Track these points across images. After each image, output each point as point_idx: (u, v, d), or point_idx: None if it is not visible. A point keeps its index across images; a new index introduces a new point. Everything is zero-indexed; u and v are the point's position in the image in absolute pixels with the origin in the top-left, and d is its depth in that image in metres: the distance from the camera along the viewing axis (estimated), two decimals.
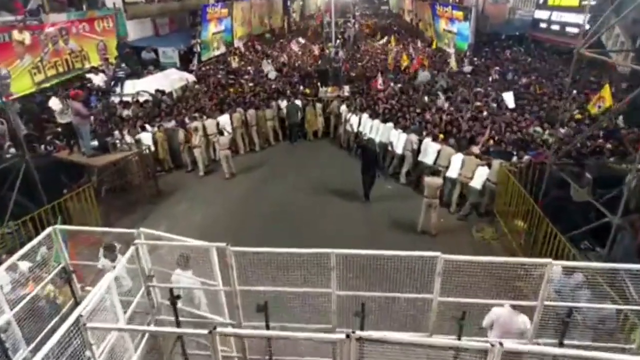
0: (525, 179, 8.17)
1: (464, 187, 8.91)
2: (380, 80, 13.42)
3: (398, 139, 10.21)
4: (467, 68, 16.85)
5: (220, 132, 11.30)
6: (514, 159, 8.57)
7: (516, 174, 8.14)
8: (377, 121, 11.06)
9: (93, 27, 12.97)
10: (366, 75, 15.98)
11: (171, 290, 4.46)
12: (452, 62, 16.76)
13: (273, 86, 14.03)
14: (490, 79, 14.46)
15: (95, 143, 8.86)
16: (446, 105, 11.56)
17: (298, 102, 13.08)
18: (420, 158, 9.80)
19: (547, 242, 6.57)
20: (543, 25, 18.34)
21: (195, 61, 17.98)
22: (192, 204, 9.61)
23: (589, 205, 6.60)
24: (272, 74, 16.98)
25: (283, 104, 13.01)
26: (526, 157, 8.41)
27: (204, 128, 11.30)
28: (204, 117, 11.48)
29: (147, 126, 10.88)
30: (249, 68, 17.63)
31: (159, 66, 16.48)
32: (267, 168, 11.44)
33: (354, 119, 11.77)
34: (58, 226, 4.96)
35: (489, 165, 8.56)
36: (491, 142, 9.51)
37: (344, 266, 4.21)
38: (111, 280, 4.08)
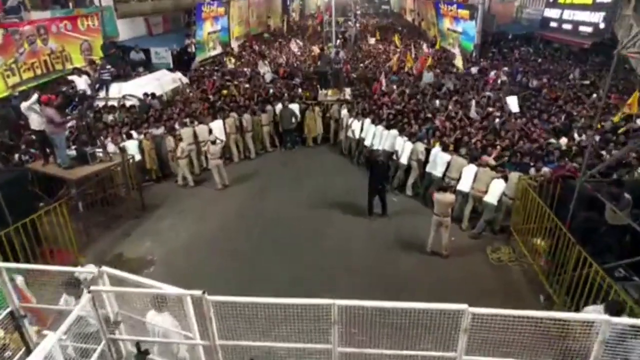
0: (546, 194, 7.42)
1: (477, 202, 8.14)
2: (383, 81, 12.61)
3: (403, 148, 9.42)
4: (474, 69, 16.05)
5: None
6: (532, 171, 7.79)
7: (536, 189, 7.39)
8: (380, 127, 10.27)
9: (76, 25, 12.16)
10: (368, 77, 15.19)
11: (138, 344, 3.68)
12: (459, 63, 15.96)
13: (270, 90, 13.21)
14: (499, 81, 13.65)
15: (73, 153, 8.08)
16: (459, 111, 10.74)
17: (295, 106, 12.30)
18: (428, 169, 9.02)
19: (575, 269, 5.81)
20: (553, 24, 17.54)
21: (196, 61, 17.20)
22: (179, 219, 8.82)
23: (623, 228, 5.85)
24: (269, 76, 16.20)
25: (280, 107, 12.22)
26: (545, 170, 7.62)
27: (195, 135, 10.54)
28: (195, 122, 10.73)
29: (134, 133, 10.09)
30: (245, 69, 16.83)
31: (150, 67, 15.72)
32: (262, 178, 10.65)
33: (355, 125, 10.99)
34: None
35: (505, 179, 7.79)
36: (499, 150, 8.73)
37: (347, 319, 3.43)
38: (62, 331, 3.30)
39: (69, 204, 7.39)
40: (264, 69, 15.98)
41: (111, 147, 9.29)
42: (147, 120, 10.63)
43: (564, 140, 8.79)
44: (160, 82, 12.65)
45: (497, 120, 9.57)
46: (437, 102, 11.28)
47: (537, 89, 13.11)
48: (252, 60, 19.27)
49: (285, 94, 12.86)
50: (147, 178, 10.26)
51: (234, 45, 23.08)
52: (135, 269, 7.27)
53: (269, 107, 12.12)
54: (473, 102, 10.90)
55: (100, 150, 8.72)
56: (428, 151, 9.10)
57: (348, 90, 13.64)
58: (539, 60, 16.85)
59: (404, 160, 9.45)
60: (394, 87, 12.79)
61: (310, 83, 14.69)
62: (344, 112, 11.79)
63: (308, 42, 25.25)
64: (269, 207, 9.19)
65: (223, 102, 12.41)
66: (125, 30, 16.57)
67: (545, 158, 8.00)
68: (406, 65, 15.91)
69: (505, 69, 15.40)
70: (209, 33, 19.60)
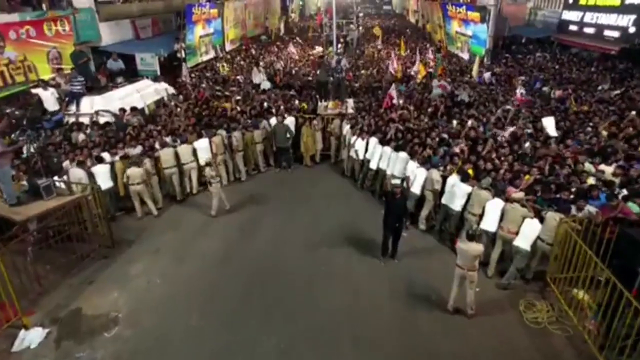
0: (591, 239, 6.13)
1: (505, 243, 6.83)
2: (394, 94, 11.27)
3: (415, 175, 8.12)
4: (487, 76, 14.73)
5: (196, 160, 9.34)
6: (573, 210, 6.47)
7: (580, 233, 6.10)
8: (388, 149, 8.98)
9: (41, 30, 10.81)
10: (372, 87, 13.89)
11: None
12: (474, 70, 14.62)
13: (265, 104, 11.89)
14: (518, 92, 12.35)
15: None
16: (479, 129, 9.42)
17: (291, 120, 11.00)
18: (444, 201, 7.71)
19: None
20: (573, 27, 16.23)
21: (185, 70, 15.87)
22: (153, 260, 7.51)
23: None
24: (266, 84, 14.91)
25: (275, 122, 10.93)
26: (590, 209, 6.31)
27: (177, 156, 9.25)
28: (178, 141, 9.43)
29: (106, 155, 8.78)
30: (239, 77, 15.51)
31: (136, 76, 14.44)
32: (253, 205, 9.34)
33: (359, 144, 9.68)
34: None
35: (541, 219, 6.49)
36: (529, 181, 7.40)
37: None
38: None
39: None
40: (260, 78, 14.66)
41: (78, 174, 8.00)
42: (122, 139, 9.32)
43: (608, 169, 7.46)
44: (142, 93, 11.33)
45: (527, 144, 8.22)
46: (455, 122, 9.89)
47: (560, 99, 11.78)
48: (246, 66, 17.95)
49: (281, 107, 11.55)
50: (123, 206, 8.98)
51: (229, 48, 21.81)
52: (94, 329, 6.02)
53: (263, 123, 10.83)
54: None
55: (62, 179, 7.45)
56: (444, 179, 7.80)
57: (351, 102, 12.34)
58: (556, 66, 15.49)
59: (416, 189, 8.14)
60: (400, 101, 11.42)
61: (308, 93, 13.40)
62: (347, 128, 10.48)
63: (307, 45, 23.94)
64: (258, 246, 7.86)
65: (211, 117, 11.10)
66: (108, 35, 15.30)
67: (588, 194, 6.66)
68: (419, 75, 14.48)
69: (522, 78, 14.06)
70: (200, 37, 18.35)
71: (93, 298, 6.64)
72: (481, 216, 7.05)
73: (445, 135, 9.28)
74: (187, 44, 17.13)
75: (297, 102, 12.38)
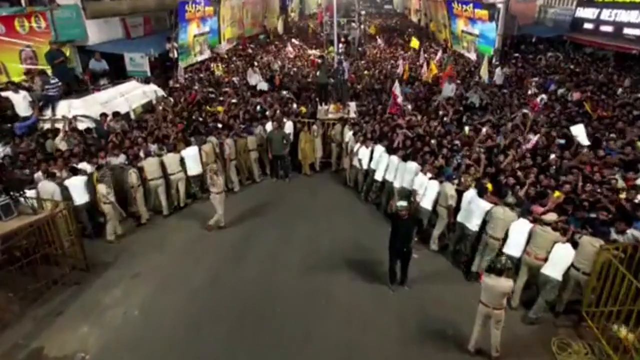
0: (637, 269, 5.30)
1: (532, 270, 5.97)
2: (397, 91, 10.38)
3: (426, 189, 7.26)
4: (499, 77, 13.84)
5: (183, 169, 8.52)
6: (612, 234, 5.62)
7: (623, 261, 5.27)
8: (395, 158, 8.11)
9: (12, 28, 9.90)
10: (376, 89, 13.03)
11: None
12: (483, 71, 13.75)
13: (258, 107, 11.03)
14: (538, 98, 11.48)
15: None
16: (497, 138, 8.54)
17: (289, 125, 10.15)
18: (460, 219, 6.85)
19: None
20: (588, 25, 15.33)
21: (180, 71, 14.99)
22: (131, 287, 6.64)
23: None
24: (263, 85, 14.05)
25: (269, 126, 10.07)
26: (635, 233, 5.45)
27: (163, 166, 8.39)
28: (164, 150, 8.58)
29: (87, 166, 7.89)
30: (234, 79, 14.63)
31: (123, 78, 13.57)
32: (246, 220, 8.47)
33: (363, 152, 8.82)
34: None
35: (574, 244, 5.63)
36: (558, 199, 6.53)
37: None
38: None
39: None
40: (256, 79, 13.78)
41: (49, 188, 7.14)
42: (104, 147, 8.45)
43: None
44: (128, 96, 10.45)
45: (552, 156, 7.33)
46: (467, 128, 9.01)
47: (580, 103, 10.90)
48: (242, 67, 17.07)
49: (278, 111, 10.68)
50: (103, 220, 8.10)
51: (225, 48, 20.94)
52: None
53: (258, 128, 9.97)
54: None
55: (30, 195, 6.59)
56: (460, 193, 6.94)
57: (353, 106, 11.48)
58: (570, 66, 14.60)
59: (427, 204, 7.28)
60: (409, 107, 10.50)
61: (307, 96, 12.54)
62: (349, 134, 9.61)
63: (307, 45, 23.07)
64: (250, 270, 6.98)
65: (202, 122, 10.24)
66: (95, 33, 14.38)
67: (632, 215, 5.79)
68: (429, 74, 13.54)
69: (536, 79, 13.19)
70: (194, 36, 17.47)
71: (59, 334, 5.77)
72: (504, 239, 6.20)
73: (457, 143, 8.40)
74: (180, 43, 16.25)
75: (295, 105, 11.50)
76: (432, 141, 8.43)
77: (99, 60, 11.11)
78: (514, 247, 6.05)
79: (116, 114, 9.42)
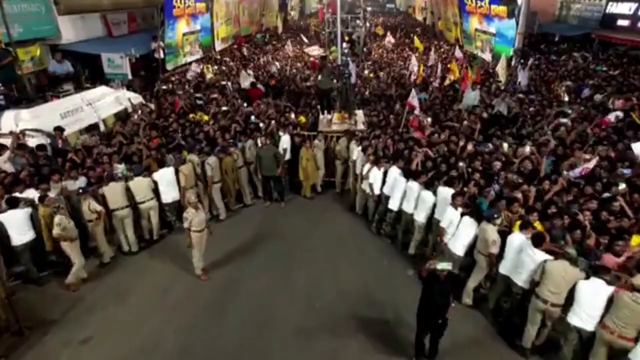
0: None
1: (613, 350, 4.40)
2: (415, 101, 8.84)
3: (458, 227, 5.70)
4: (523, 81, 12.25)
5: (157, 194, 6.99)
6: None
7: None
8: (415, 185, 6.54)
9: None
10: (385, 95, 11.46)
11: None
12: (501, 74, 12.17)
13: (252, 117, 9.47)
14: (564, 98, 9.93)
15: None
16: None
17: (286, 139, 8.59)
18: (504, 271, 5.30)
19: None
20: (623, 22, 13.74)
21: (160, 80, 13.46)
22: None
23: None
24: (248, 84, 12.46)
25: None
26: None
27: (129, 192, 6.84)
28: (132, 172, 7.02)
29: (35, 193, 6.36)
30: (224, 83, 13.04)
31: (95, 82, 12.07)
32: (230, 260, 6.90)
33: (374, 175, 7.23)
34: None
35: None
36: None
37: None
38: None
39: None
40: (249, 82, 12.20)
41: None
42: (56, 170, 6.88)
43: None
44: (96, 105, 8.87)
45: (622, 186, 5.73)
46: (505, 145, 7.39)
47: (626, 113, 9.29)
48: (235, 68, 15.50)
49: (273, 122, 9.12)
50: (54, 259, 6.55)
51: (219, 48, 19.40)
52: None
53: (248, 142, 8.40)
54: None
55: None
56: (502, 234, 5.36)
57: (360, 115, 9.90)
58: (603, 68, 13.00)
59: (458, 248, 5.71)
60: (428, 121, 8.87)
61: (307, 103, 10.99)
62: (357, 150, 8.03)
63: (308, 44, 21.47)
64: (231, 334, 5.41)
65: (186, 135, 8.69)
66: (70, 31, 12.87)
67: None
68: (450, 77, 11.89)
69: (568, 83, 11.60)
70: (184, 34, 15.91)
71: None
72: (567, 305, 4.64)
73: (498, 164, 6.80)
74: (167, 43, 14.70)
75: (293, 115, 9.94)
76: (461, 163, 6.83)
77: (60, 62, 9.55)
78: (584, 317, 4.48)
79: (57, 129, 7.68)
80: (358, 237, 7.50)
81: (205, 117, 9.95)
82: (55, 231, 5.86)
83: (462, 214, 5.76)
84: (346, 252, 7.06)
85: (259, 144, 8.22)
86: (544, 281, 4.72)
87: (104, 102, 9.17)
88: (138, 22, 16.62)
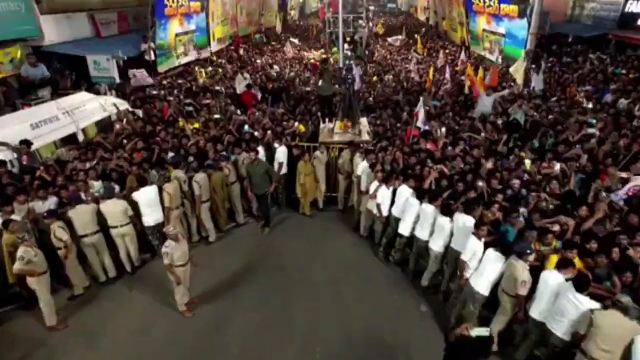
0: None
1: None
2: (421, 113, 8.06)
3: (480, 260, 4.90)
4: (538, 83, 11.43)
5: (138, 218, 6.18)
6: None
7: None
8: (429, 208, 5.72)
9: None
10: (392, 100, 10.64)
11: None
12: (518, 77, 11.34)
13: (246, 127, 8.65)
14: (589, 105, 9.12)
15: None
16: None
17: (282, 150, 7.78)
18: (536, 316, 4.48)
19: None
20: None
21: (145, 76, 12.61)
22: None
23: None
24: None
25: (260, 153, 7.71)
26: None
27: (100, 215, 6.03)
28: (105, 191, 6.20)
29: None
30: (218, 88, 12.22)
31: (89, 86, 11.31)
32: (220, 296, 6.09)
33: (382, 194, 6.41)
34: None
35: None
36: None
37: None
38: None
39: None
40: (243, 86, 11.39)
41: None
42: (23, 189, 6.08)
43: None
44: (75, 113, 8.06)
45: None
46: (528, 162, 6.54)
47: None
48: (231, 71, 14.67)
49: (269, 132, 8.31)
50: (18, 292, 5.75)
51: (215, 49, 18.58)
52: None
53: (242, 156, 7.59)
54: None
55: None
56: (534, 272, 4.55)
57: (364, 123, 9.09)
58: (623, 71, 12.16)
59: (481, 286, 4.89)
60: (441, 129, 8.02)
61: (307, 109, 10.19)
62: (362, 165, 7.20)
63: (308, 45, 20.65)
64: None
65: (173, 146, 7.87)
66: (53, 31, 12.05)
67: None
68: (466, 84, 11.01)
69: (589, 87, 10.78)
70: (177, 34, 15.09)
71: None
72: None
73: (516, 183, 6.00)
74: (159, 44, 13.89)
75: (292, 122, 9.13)
76: (480, 182, 6.02)
77: (34, 65, 8.74)
78: None
79: (23, 142, 6.82)
80: (363, 264, 6.68)
81: (197, 125, 9.14)
82: (17, 266, 5.05)
83: (486, 245, 4.96)
84: (350, 283, 6.24)
85: (244, 159, 7.37)
86: (593, 336, 3.91)
87: (84, 110, 8.36)
88: (129, 22, 15.79)
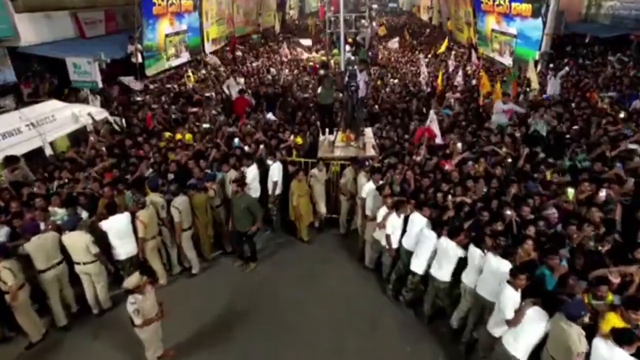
0: None
1: None
2: (434, 127, 7.13)
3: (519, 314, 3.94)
4: (554, 88, 10.50)
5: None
6: None
7: None
8: (449, 244, 4.78)
9: None
10: (398, 108, 9.71)
11: None
12: (533, 81, 10.40)
13: (236, 140, 7.72)
14: (621, 114, 8.17)
15: None
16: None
17: (277, 166, 6.84)
18: None
19: None
20: None
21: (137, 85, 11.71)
22: None
23: None
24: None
25: (252, 170, 6.77)
26: None
27: (62, 249, 5.11)
28: (70, 220, 5.27)
29: None
30: (209, 94, 11.26)
31: (69, 90, 10.41)
32: (201, 347, 5.15)
33: (392, 223, 5.45)
34: None
35: None
36: None
37: None
38: None
39: None
40: (235, 91, 10.45)
41: None
42: None
43: None
44: (42, 125, 7.12)
45: None
46: (571, 191, 5.52)
47: None
48: (223, 74, 13.72)
49: (261, 146, 7.38)
50: None
51: (210, 50, 17.65)
52: None
53: (229, 174, 6.65)
54: None
55: None
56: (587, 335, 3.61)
57: (369, 134, 8.15)
58: None
59: (520, 351, 3.94)
60: (459, 143, 7.06)
61: (305, 119, 9.25)
62: (368, 186, 6.23)
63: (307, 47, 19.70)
64: None
65: (154, 164, 6.93)
66: (31, 32, 11.18)
67: None
68: (481, 92, 10.01)
69: (613, 94, 9.84)
70: (166, 35, 14.15)
71: None
72: None
73: (554, 214, 5.05)
74: (147, 45, 12.96)
75: (287, 134, 8.20)
76: (508, 211, 5.07)
77: None
78: None
79: (11, 160, 6.02)
80: (369, 303, 5.73)
81: (188, 137, 8.19)
82: None
83: (523, 294, 4.02)
84: (353, 328, 5.30)
85: (249, 173, 6.46)
86: None
87: (53, 121, 7.41)
88: (118, 21, 14.89)
